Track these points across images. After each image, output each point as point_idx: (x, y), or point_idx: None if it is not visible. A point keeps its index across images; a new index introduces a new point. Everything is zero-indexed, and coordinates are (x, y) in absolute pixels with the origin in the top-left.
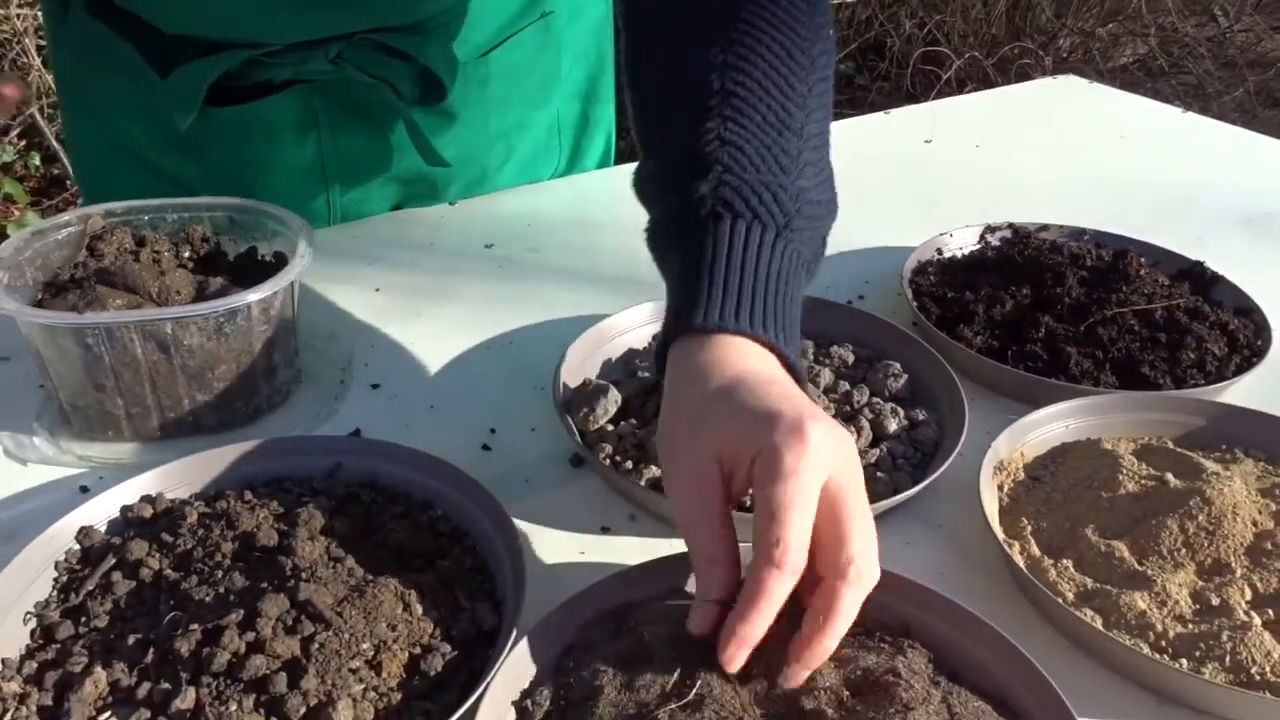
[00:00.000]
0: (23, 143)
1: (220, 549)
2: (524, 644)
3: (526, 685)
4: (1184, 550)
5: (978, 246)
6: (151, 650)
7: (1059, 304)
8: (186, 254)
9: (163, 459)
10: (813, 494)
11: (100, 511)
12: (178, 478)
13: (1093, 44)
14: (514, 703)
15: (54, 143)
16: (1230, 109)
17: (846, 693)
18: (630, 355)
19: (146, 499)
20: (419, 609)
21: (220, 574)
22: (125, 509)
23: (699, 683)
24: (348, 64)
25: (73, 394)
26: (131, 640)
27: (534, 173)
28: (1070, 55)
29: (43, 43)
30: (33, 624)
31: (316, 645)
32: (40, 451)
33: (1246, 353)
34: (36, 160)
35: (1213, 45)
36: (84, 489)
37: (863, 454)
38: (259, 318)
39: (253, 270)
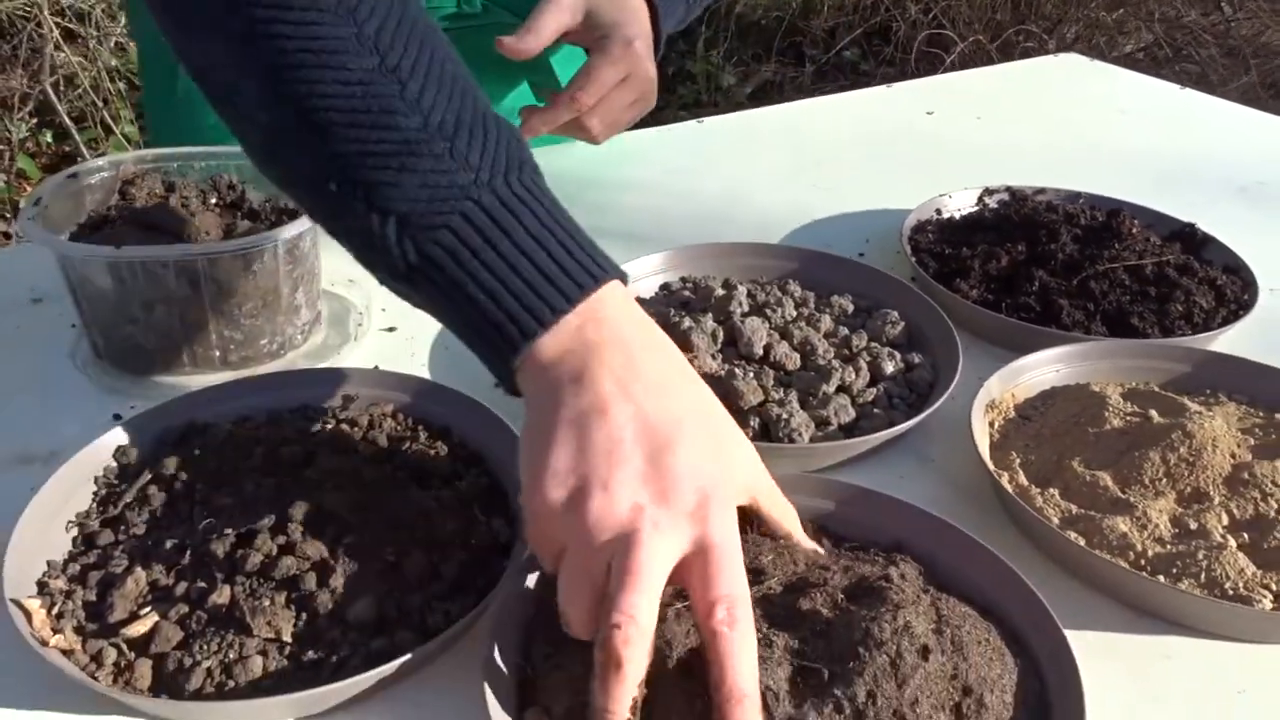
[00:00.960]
0: (34, 120)
1: (249, 464)
2: (534, 555)
3: (537, 590)
4: (1165, 480)
5: (975, 208)
6: (188, 553)
7: (1053, 259)
8: (213, 200)
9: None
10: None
11: (135, 433)
12: (209, 402)
13: (1098, 33)
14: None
15: (66, 119)
16: (1235, 96)
17: (841, 596)
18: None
19: (179, 420)
20: (439, 520)
21: (250, 486)
22: (159, 430)
23: None
24: (497, 5)
25: (106, 328)
26: (168, 545)
27: None
28: (1075, 42)
29: (61, 20)
30: (74, 532)
31: (343, 548)
32: (74, 384)
33: (1233, 306)
34: (49, 137)
35: (1218, 34)
36: (117, 416)
37: (861, 393)
38: (285, 257)
39: (276, 216)
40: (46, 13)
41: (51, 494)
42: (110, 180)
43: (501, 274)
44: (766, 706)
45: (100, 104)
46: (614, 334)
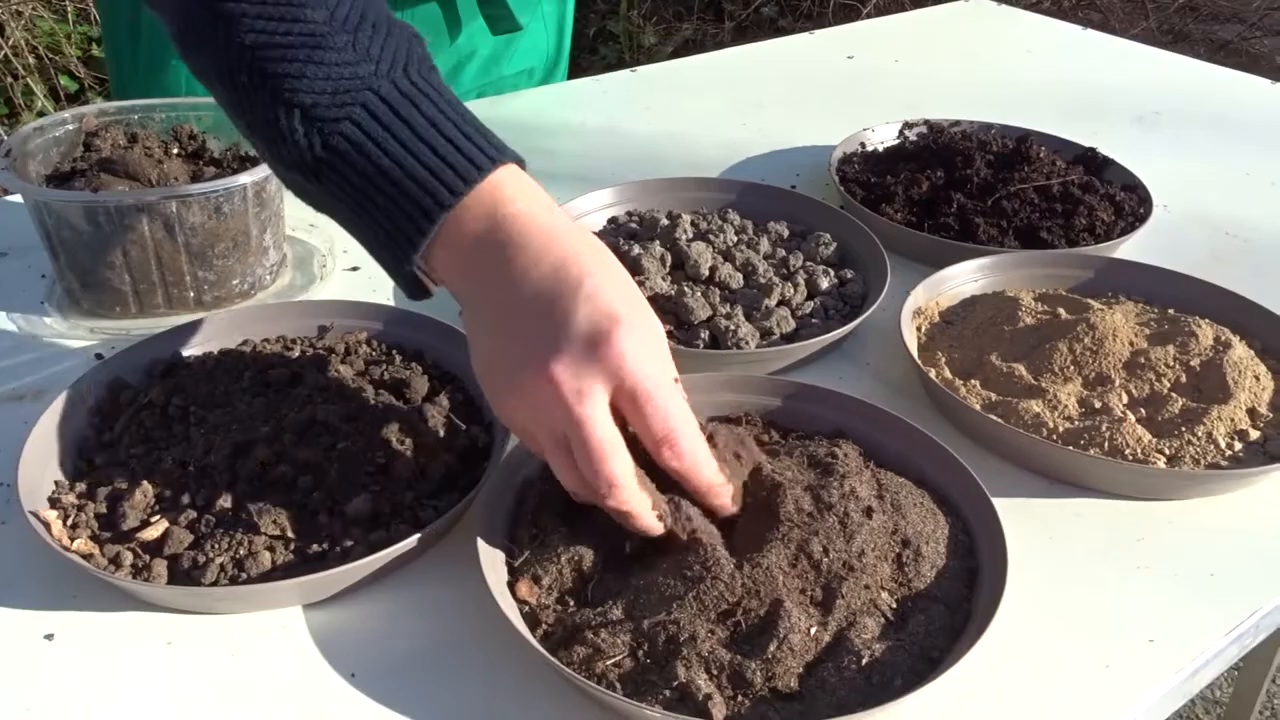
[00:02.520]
0: None
1: (239, 386)
2: (514, 453)
3: (519, 482)
4: (1072, 367)
5: (897, 140)
6: (190, 466)
7: (969, 183)
8: (175, 150)
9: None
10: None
11: (124, 366)
12: (191, 336)
13: None
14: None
15: None
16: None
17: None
18: None
19: (164, 353)
20: (422, 428)
21: (243, 405)
22: (146, 363)
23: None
24: None
25: (83, 273)
26: (169, 461)
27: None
28: None
29: None
30: (76, 457)
31: (336, 453)
32: (52, 329)
33: (1131, 219)
34: None
35: None
36: (99, 356)
37: (799, 306)
38: (253, 200)
39: (238, 164)
40: None
41: (50, 423)
42: (75, 133)
43: (403, 160)
44: None
45: (13, 79)
46: (529, 216)
